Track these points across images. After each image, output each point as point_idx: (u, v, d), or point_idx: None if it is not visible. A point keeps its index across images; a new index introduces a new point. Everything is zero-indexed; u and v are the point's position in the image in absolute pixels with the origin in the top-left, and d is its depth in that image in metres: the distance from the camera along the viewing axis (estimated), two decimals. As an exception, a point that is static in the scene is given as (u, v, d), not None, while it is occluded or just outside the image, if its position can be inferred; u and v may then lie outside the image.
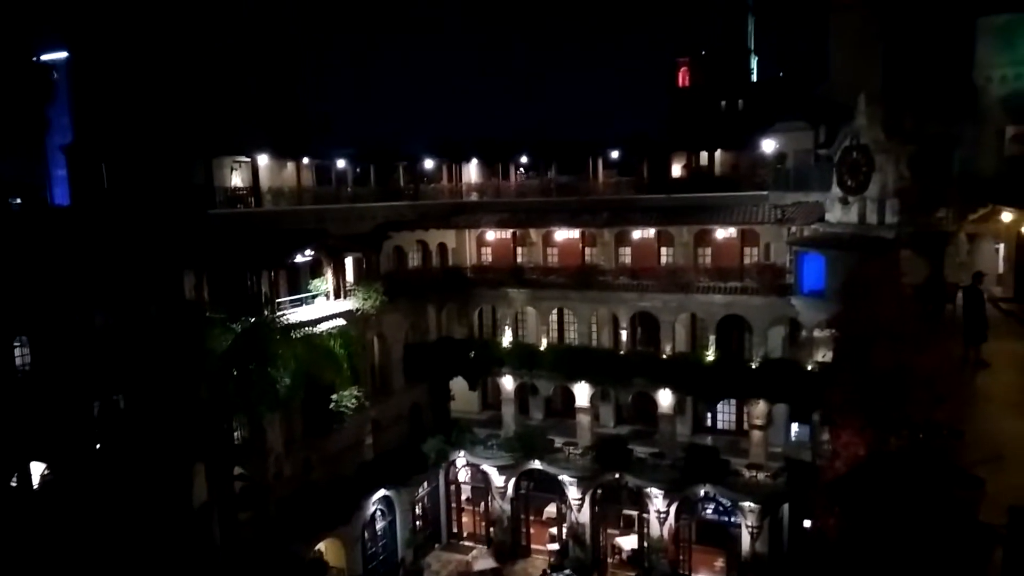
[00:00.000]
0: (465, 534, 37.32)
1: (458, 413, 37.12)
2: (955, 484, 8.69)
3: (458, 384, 36.58)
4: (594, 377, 33.21)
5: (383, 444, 32.42)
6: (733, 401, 33.69)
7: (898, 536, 8.52)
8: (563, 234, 35.81)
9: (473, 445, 35.04)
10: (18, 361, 21.86)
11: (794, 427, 32.22)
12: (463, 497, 37.52)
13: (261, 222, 29.35)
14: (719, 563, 32.27)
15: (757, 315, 29.97)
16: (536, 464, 33.80)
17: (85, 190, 31.38)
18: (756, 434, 30.75)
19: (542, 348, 34.13)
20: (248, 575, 24.00)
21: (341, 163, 35.93)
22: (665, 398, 32.21)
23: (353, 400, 28.39)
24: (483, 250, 38.68)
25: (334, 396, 28.07)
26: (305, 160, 33.93)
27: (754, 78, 68.15)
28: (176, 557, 22.99)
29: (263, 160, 31.30)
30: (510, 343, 35.10)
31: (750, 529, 29.98)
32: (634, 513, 33.45)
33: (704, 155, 36.82)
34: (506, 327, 35.46)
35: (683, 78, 66.91)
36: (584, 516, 33.54)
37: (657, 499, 31.46)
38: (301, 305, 27.99)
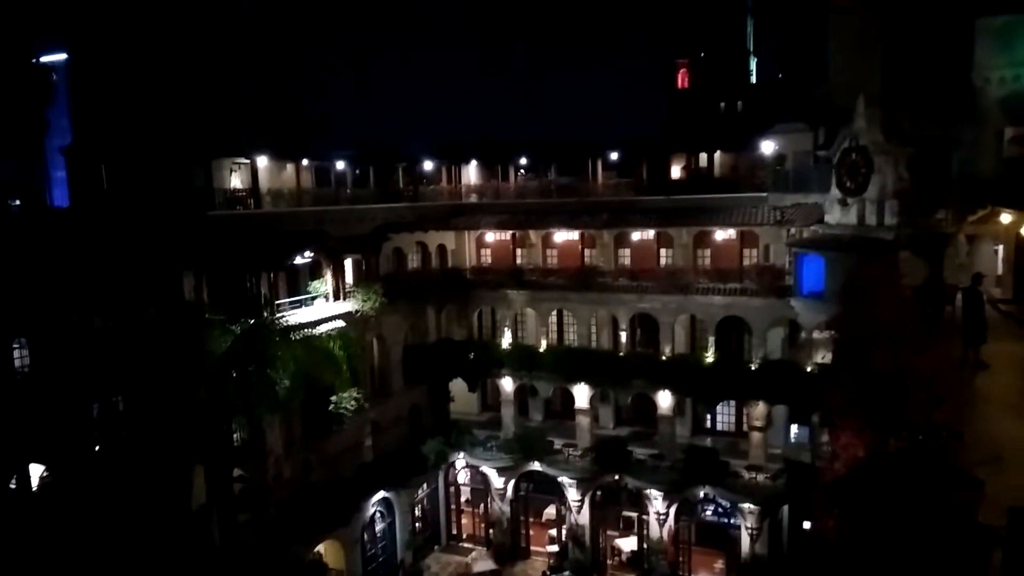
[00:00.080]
0: (464, 536, 37.31)
1: (457, 415, 37.10)
2: (954, 485, 8.70)
3: (457, 386, 36.57)
4: (593, 378, 33.21)
5: (382, 446, 32.41)
6: (733, 402, 33.67)
7: (898, 537, 8.53)
8: (562, 235, 35.82)
9: (472, 447, 35.03)
10: (17, 363, 21.84)
11: (794, 428, 32.21)
12: (462, 499, 37.51)
13: (260, 224, 29.35)
14: (719, 565, 32.25)
15: (756, 316, 29.97)
16: (535, 466, 33.79)
17: (84, 192, 31.39)
18: (756, 435, 30.74)
19: (541, 349, 34.12)
20: (247, 577, 24.00)
21: (340, 165, 35.94)
22: (664, 399, 32.21)
23: (352, 402, 28.40)
24: (482, 251, 38.69)
25: (333, 398, 28.08)
26: (304, 162, 33.93)
27: (753, 80, 68.18)
28: (175, 559, 22.97)
29: (262, 162, 31.31)
30: (509, 344, 35.09)
31: (750, 531, 29.97)
32: (633, 515, 33.44)
33: (703, 156, 36.83)
34: (505, 328, 35.45)
35: (682, 79, 66.93)
36: (583, 518, 33.52)
37: (657, 501, 31.45)
38: (300, 307, 27.98)
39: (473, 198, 40.11)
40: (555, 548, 34.49)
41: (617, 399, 35.30)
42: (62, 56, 39.69)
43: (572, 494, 33.07)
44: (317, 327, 26.71)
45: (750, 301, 29.88)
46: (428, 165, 39.98)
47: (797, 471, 28.18)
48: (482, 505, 36.43)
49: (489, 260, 38.24)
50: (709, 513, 32.20)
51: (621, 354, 32.87)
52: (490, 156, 40.73)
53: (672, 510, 31.61)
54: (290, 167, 33.29)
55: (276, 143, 32.33)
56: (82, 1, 32.53)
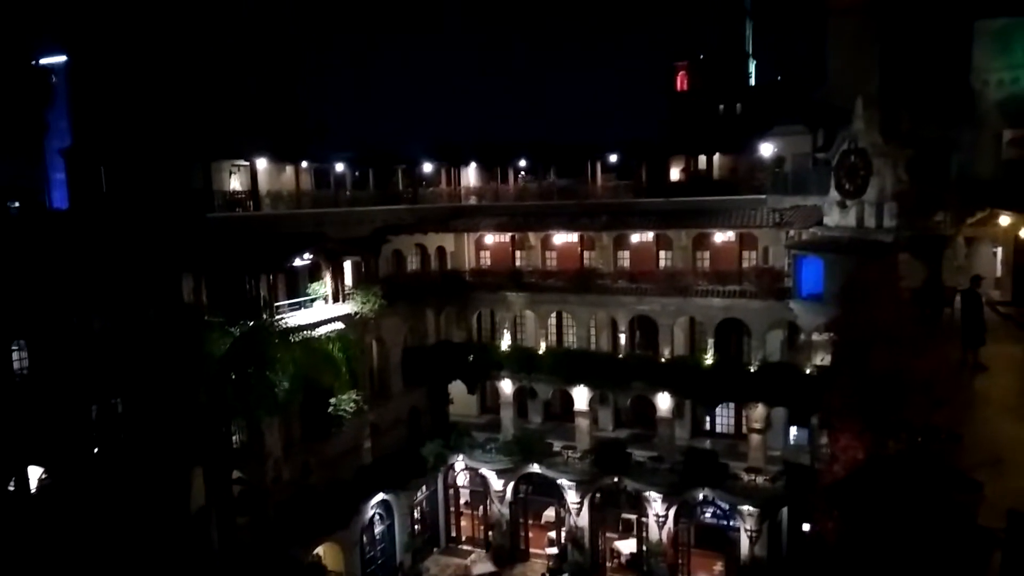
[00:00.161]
0: (464, 538, 37.29)
1: (457, 417, 37.09)
2: (954, 488, 8.69)
3: (457, 388, 36.56)
4: (593, 381, 33.20)
5: (382, 448, 32.39)
6: (732, 405, 33.66)
7: (897, 540, 8.52)
8: (562, 238, 35.84)
9: (472, 449, 35.02)
10: (16, 365, 21.80)
11: (793, 431, 32.21)
12: (462, 501, 37.50)
13: (260, 226, 29.34)
14: (718, 567, 32.24)
15: (756, 319, 29.99)
16: (535, 468, 33.78)
17: (84, 194, 31.37)
18: (755, 438, 30.74)
19: (541, 352, 34.12)
20: (246, 579, 23.97)
21: (340, 167, 35.94)
22: (664, 402, 32.21)
23: (352, 404, 28.36)
24: (482, 254, 38.70)
25: (333, 400, 28.05)
26: (304, 164, 33.93)
27: (752, 82, 68.16)
28: (174, 561, 22.94)
29: (262, 164, 31.31)
30: (509, 347, 35.09)
31: (749, 533, 29.97)
32: (633, 517, 33.44)
33: (702, 159, 36.85)
34: (505, 331, 35.46)
35: (681, 82, 66.94)
36: (583, 520, 33.51)
37: (656, 503, 31.44)
38: (300, 309, 27.97)
39: (472, 200, 40.12)
40: (554, 550, 34.48)
41: (616, 401, 35.30)
42: (62, 58, 39.71)
43: (571, 496, 33.06)
44: (316, 329, 26.71)
45: (749, 303, 29.89)
46: (427, 167, 40.00)
47: (796, 473, 28.18)
48: (481, 507, 36.41)
49: (488, 262, 38.25)
50: (708, 515, 32.19)
51: (620, 356, 32.88)
52: (489, 158, 40.75)
53: (671, 512, 31.60)
54: (289, 169, 33.29)
55: (275, 145, 32.33)
56: (82, 3, 32.55)
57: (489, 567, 34.41)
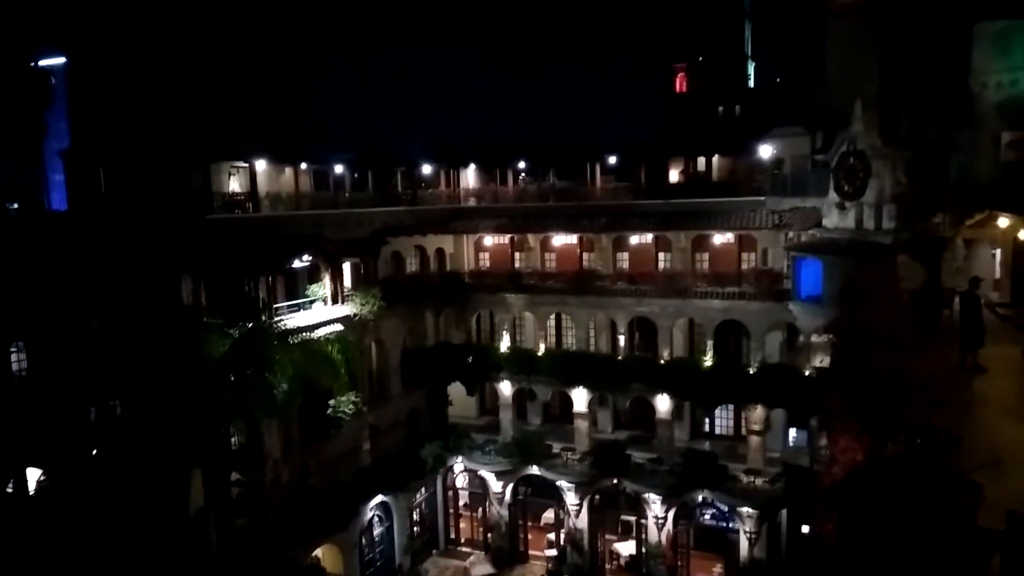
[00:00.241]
0: (463, 540, 37.24)
1: (456, 418, 37.06)
2: (953, 489, 8.69)
3: (456, 389, 36.55)
4: (592, 382, 33.19)
5: (381, 450, 32.37)
6: (731, 406, 33.64)
7: (896, 541, 8.52)
8: (561, 239, 35.84)
9: (471, 451, 34.99)
10: (15, 366, 21.81)
11: (792, 432, 32.19)
12: (461, 503, 37.45)
13: (259, 227, 29.33)
14: (717, 569, 32.21)
15: (755, 320, 29.99)
16: (534, 470, 33.75)
17: (82, 195, 31.34)
18: (754, 439, 30.73)
19: (540, 353, 34.10)
20: (245, 581, 23.94)
21: (339, 168, 35.94)
22: (663, 403, 32.21)
23: (351, 406, 28.32)
24: (481, 255, 38.69)
25: (332, 402, 28.00)
26: (303, 165, 33.93)
27: (751, 84, 68.23)
28: (173, 564, 22.90)
29: (261, 165, 31.30)
30: (508, 348, 35.08)
31: (748, 535, 29.95)
32: (632, 519, 33.41)
33: (702, 160, 36.85)
34: (504, 332, 35.44)
35: (680, 84, 66.99)
36: (582, 522, 33.48)
37: (655, 505, 31.42)
38: (299, 310, 27.96)
39: (472, 202, 40.12)
40: (553, 552, 34.44)
41: (615, 403, 35.29)
42: (61, 60, 39.67)
43: (570, 498, 33.03)
44: (315, 331, 26.68)
45: (748, 305, 29.90)
46: (427, 169, 40.00)
47: (796, 475, 28.15)
48: (480, 509, 36.38)
49: (487, 264, 38.24)
50: (708, 517, 32.17)
51: (619, 358, 32.88)
52: (489, 160, 40.76)
53: (671, 514, 31.58)
54: (289, 171, 33.28)
55: (275, 147, 32.32)
56: (81, 5, 32.56)
57: (488, 569, 34.37)
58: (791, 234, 28.79)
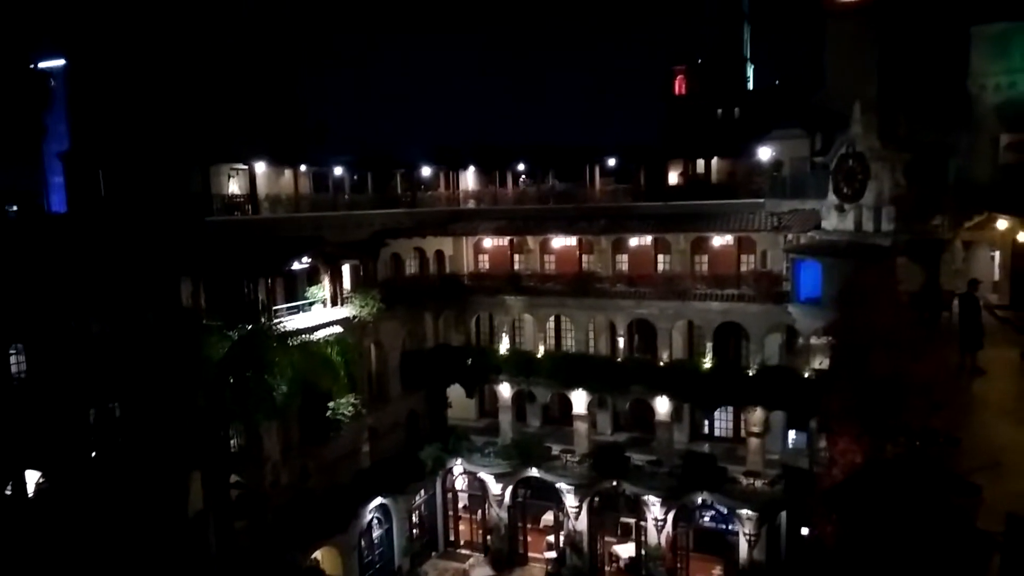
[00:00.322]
0: (462, 542, 37.21)
1: (455, 420, 37.04)
2: (952, 491, 8.71)
3: (455, 391, 36.52)
4: (591, 384, 33.18)
5: (380, 452, 32.35)
6: (730, 408, 33.64)
7: (896, 543, 8.52)
8: (560, 241, 35.85)
9: (470, 453, 34.96)
10: (14, 369, 21.80)
11: (791, 434, 32.19)
12: (460, 505, 37.42)
13: (258, 229, 29.33)
14: (717, 571, 32.19)
15: (754, 322, 30.00)
16: (533, 472, 33.72)
17: (82, 197, 31.34)
18: (753, 441, 30.73)
19: (539, 355, 34.10)
20: (244, 584, 23.91)
21: (338, 170, 35.94)
22: (662, 405, 32.20)
23: (350, 408, 28.28)
24: (480, 257, 38.69)
25: (331, 404, 27.95)
26: (302, 167, 33.93)
27: (750, 86, 68.22)
28: (172, 566, 22.89)
29: (260, 167, 31.30)
30: (507, 350, 35.07)
31: (748, 537, 29.93)
32: (631, 521, 33.37)
33: (701, 163, 36.88)
34: (503, 334, 35.44)
35: (679, 86, 66.96)
36: (581, 524, 33.45)
37: (654, 507, 31.40)
38: (298, 312, 27.93)
39: (471, 204, 40.14)
40: (553, 554, 34.40)
41: (615, 405, 35.28)
42: (60, 62, 39.75)
43: (570, 500, 33.01)
44: (315, 333, 26.66)
45: (748, 307, 29.91)
46: (426, 171, 40.01)
47: (795, 477, 28.13)
48: (480, 511, 36.34)
49: (487, 266, 38.24)
50: (707, 519, 32.15)
51: (619, 360, 32.87)
52: (488, 162, 40.77)
53: (670, 516, 31.55)
54: (288, 173, 33.29)
55: (274, 149, 32.33)
56: (80, 7, 32.58)
57: (487, 571, 34.35)
58: (790, 236, 28.82)
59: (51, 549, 20.92)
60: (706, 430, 35.08)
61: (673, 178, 37.55)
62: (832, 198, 25.03)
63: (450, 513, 37.20)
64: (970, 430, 11.45)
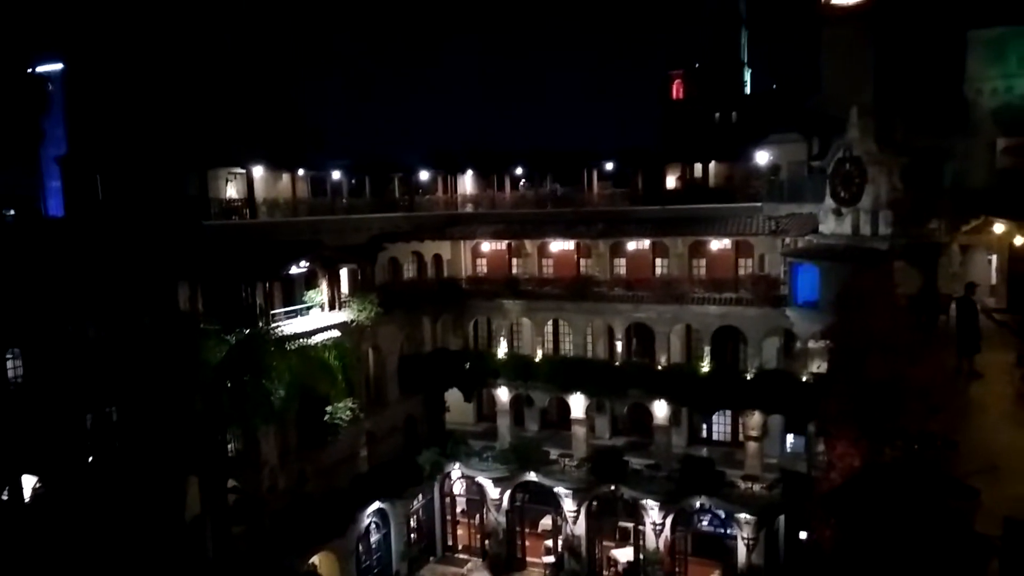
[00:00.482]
0: (460, 547, 37.10)
1: (453, 425, 36.99)
2: (950, 495, 8.70)
3: (453, 396, 36.49)
4: (589, 388, 33.17)
5: (378, 456, 32.28)
6: (728, 412, 33.64)
7: (894, 547, 8.52)
8: (558, 245, 35.85)
9: (468, 457, 34.90)
10: (11, 373, 21.76)
11: (789, 438, 32.19)
12: (458, 509, 37.33)
13: (256, 233, 29.33)
14: (715, 575, 32.14)
15: (752, 326, 30.02)
16: (531, 476, 33.67)
17: (79, 201, 31.37)
18: (751, 445, 30.72)
19: (537, 359, 34.09)
20: (241, 589, 23.85)
21: (336, 174, 35.97)
22: (660, 409, 32.19)
23: (348, 412, 28.28)
24: (478, 261, 38.69)
25: (329, 408, 27.94)
26: (300, 171, 33.97)
27: (747, 90, 68.47)
28: (169, 571, 22.82)
29: (258, 171, 31.31)
30: (505, 354, 35.05)
31: (746, 541, 29.89)
32: (630, 525, 33.30)
33: (698, 167, 36.97)
34: (501, 338, 35.42)
35: (677, 90, 67.18)
36: (579, 528, 33.39)
37: (653, 511, 31.35)
38: (296, 317, 27.92)
39: (469, 208, 40.16)
40: (551, 559, 34.32)
41: (613, 409, 35.24)
42: (58, 66, 39.76)
43: (568, 504, 32.96)
44: (312, 337, 26.65)
45: (745, 311, 29.93)
46: (424, 175, 40.05)
47: (793, 481, 28.14)
48: (478, 516, 36.27)
49: (485, 270, 38.24)
50: (705, 523, 32.10)
51: (617, 364, 32.87)
52: (486, 166, 40.82)
53: (668, 520, 31.50)
54: (286, 177, 33.32)
55: (272, 153, 32.36)
56: (78, 11, 32.61)
57: (486, 576, 34.28)
58: (788, 240, 28.88)
59: (48, 554, 20.86)
60: (704, 434, 35.06)
61: (671, 182, 37.62)
62: (829, 202, 25.08)
63: (448, 518, 37.12)
64: (968, 434, 11.46)
